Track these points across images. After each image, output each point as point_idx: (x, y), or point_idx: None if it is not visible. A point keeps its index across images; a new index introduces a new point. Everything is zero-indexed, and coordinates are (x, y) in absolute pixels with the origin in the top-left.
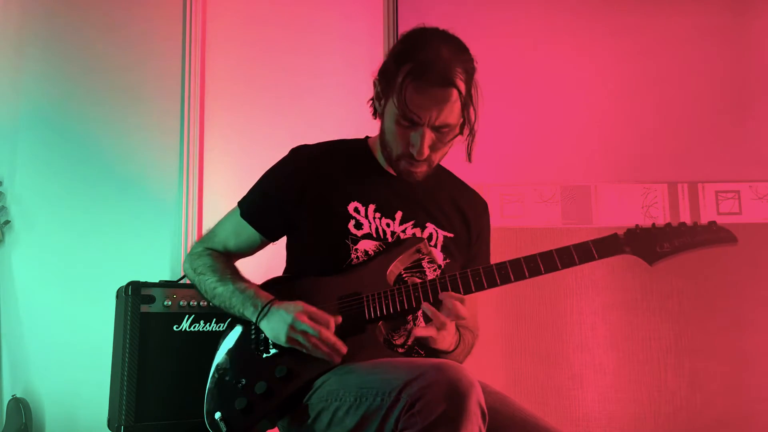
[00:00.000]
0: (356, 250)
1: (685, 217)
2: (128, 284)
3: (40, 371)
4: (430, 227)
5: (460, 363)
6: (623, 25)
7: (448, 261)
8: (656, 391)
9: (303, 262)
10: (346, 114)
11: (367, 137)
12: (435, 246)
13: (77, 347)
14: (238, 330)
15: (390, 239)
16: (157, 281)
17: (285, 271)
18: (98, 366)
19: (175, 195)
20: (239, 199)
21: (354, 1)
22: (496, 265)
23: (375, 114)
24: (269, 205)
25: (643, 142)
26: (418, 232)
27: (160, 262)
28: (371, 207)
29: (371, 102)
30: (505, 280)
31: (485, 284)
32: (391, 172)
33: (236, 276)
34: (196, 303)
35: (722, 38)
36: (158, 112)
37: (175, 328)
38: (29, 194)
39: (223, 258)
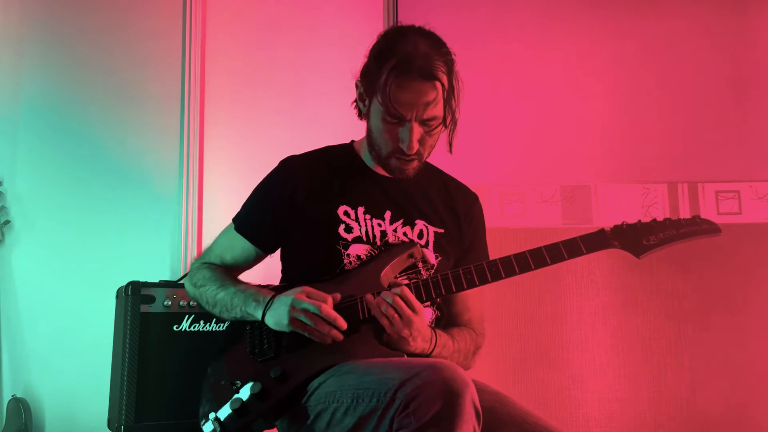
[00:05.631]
0: (348, 255)
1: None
2: (128, 284)
3: (40, 371)
4: (420, 224)
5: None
6: (623, 25)
7: (440, 258)
8: (656, 391)
9: (297, 271)
10: (346, 114)
11: (352, 141)
12: (427, 243)
13: (77, 347)
14: (233, 334)
15: (381, 241)
16: (157, 281)
17: (281, 282)
18: (98, 366)
19: (175, 195)
20: (239, 198)
21: (354, 2)
22: (488, 262)
23: (360, 115)
24: (261, 217)
25: (643, 142)
26: (408, 230)
27: (160, 262)
28: (360, 209)
29: (355, 104)
30: (496, 277)
31: (477, 281)
32: (379, 172)
33: (237, 281)
34: (196, 303)
35: (722, 38)
36: (158, 111)
37: (175, 328)
38: (29, 194)
39: (222, 269)
